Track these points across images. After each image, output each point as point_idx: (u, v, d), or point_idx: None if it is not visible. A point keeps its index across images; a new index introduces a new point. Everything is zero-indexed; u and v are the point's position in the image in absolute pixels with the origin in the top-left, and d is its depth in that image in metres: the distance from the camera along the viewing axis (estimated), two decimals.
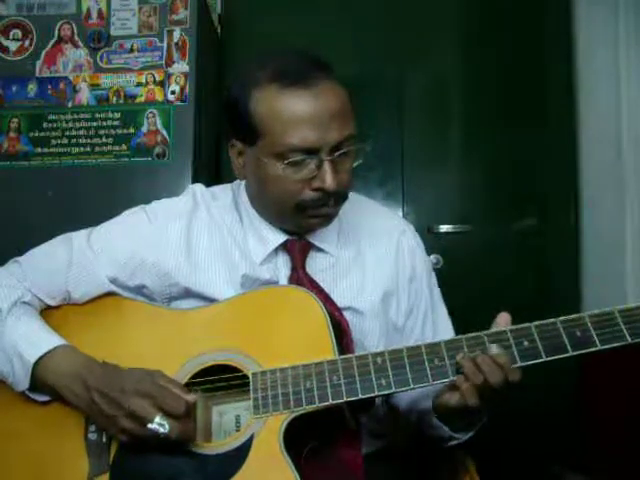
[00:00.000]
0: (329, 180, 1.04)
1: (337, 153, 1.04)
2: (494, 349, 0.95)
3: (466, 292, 2.20)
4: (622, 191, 2.16)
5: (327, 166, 1.04)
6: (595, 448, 2.09)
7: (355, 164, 1.10)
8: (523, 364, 0.95)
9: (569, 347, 0.94)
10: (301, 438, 1.00)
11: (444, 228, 2.37)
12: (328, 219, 1.14)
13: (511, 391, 0.98)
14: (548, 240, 2.36)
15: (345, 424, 1.03)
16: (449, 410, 1.03)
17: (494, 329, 0.99)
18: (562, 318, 0.96)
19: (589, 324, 0.95)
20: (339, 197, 1.10)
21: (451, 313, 1.30)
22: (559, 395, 2.24)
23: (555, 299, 2.30)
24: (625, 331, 0.93)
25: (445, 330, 1.25)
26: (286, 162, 1.04)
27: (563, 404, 2.24)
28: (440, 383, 0.98)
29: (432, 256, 2.30)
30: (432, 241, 2.32)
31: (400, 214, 2.39)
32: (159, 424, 0.94)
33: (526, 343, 0.96)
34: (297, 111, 1.02)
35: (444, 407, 1.04)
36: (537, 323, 0.97)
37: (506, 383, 0.95)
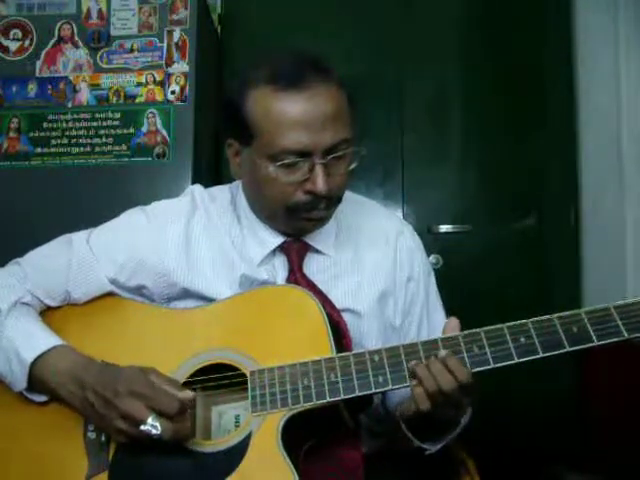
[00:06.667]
0: (320, 184, 1.04)
1: (330, 156, 1.05)
2: (443, 352, 0.95)
3: (466, 292, 2.21)
4: (622, 191, 2.16)
5: (319, 169, 1.04)
6: (595, 448, 2.09)
7: (351, 167, 1.10)
8: (520, 360, 0.95)
9: (566, 343, 0.94)
10: (300, 436, 1.00)
11: (444, 228, 2.37)
12: (320, 222, 1.14)
13: (469, 395, 0.97)
14: (548, 240, 2.36)
15: (344, 423, 1.03)
16: (410, 417, 1.03)
17: (491, 327, 0.99)
18: (558, 314, 0.96)
19: (585, 320, 0.95)
20: (331, 201, 1.10)
21: (450, 313, 1.30)
22: (559, 395, 2.25)
23: (555, 299, 2.30)
24: (622, 326, 0.93)
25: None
26: (278, 164, 1.04)
27: (563, 404, 2.24)
28: None
29: (432, 256, 2.30)
30: (432, 241, 2.33)
31: (400, 214, 2.39)
32: (151, 425, 0.93)
33: (523, 340, 0.95)
34: (290, 114, 1.03)
35: (406, 414, 1.04)
36: (534, 320, 0.97)
37: (458, 387, 0.94)
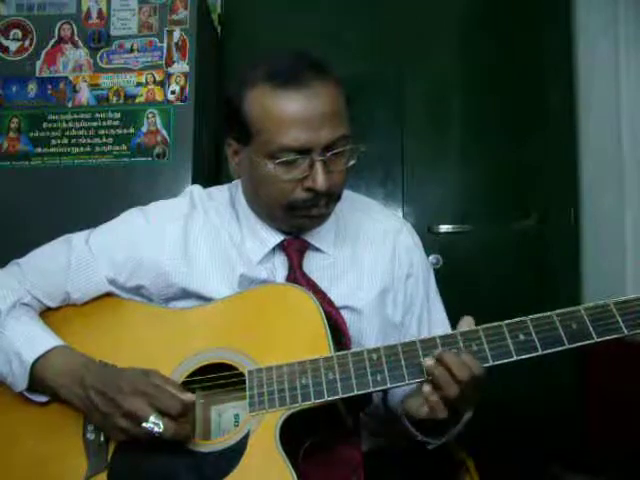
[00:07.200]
0: (320, 180, 1.04)
1: (329, 153, 1.05)
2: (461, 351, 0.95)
3: (466, 292, 2.20)
4: (622, 191, 2.16)
5: (319, 166, 1.04)
6: (595, 448, 2.09)
7: (349, 164, 1.10)
8: (519, 358, 0.95)
9: (565, 340, 0.94)
10: (298, 436, 1.00)
11: (444, 228, 2.37)
12: (319, 219, 1.14)
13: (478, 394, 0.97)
14: (548, 240, 2.36)
15: (342, 422, 1.03)
16: (419, 420, 1.02)
17: (488, 324, 0.98)
18: (558, 311, 0.96)
19: (585, 316, 0.94)
20: (330, 198, 1.10)
21: (450, 313, 1.30)
22: (559, 394, 2.24)
23: (555, 299, 2.30)
24: (621, 323, 0.93)
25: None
26: (277, 162, 1.04)
27: (563, 403, 2.24)
28: None
29: (432, 256, 2.30)
30: (432, 241, 2.33)
31: (400, 214, 2.39)
32: (154, 423, 0.94)
33: (522, 337, 0.95)
34: (288, 111, 1.03)
35: (414, 416, 1.03)
36: (532, 317, 0.96)
37: (473, 382, 0.93)
